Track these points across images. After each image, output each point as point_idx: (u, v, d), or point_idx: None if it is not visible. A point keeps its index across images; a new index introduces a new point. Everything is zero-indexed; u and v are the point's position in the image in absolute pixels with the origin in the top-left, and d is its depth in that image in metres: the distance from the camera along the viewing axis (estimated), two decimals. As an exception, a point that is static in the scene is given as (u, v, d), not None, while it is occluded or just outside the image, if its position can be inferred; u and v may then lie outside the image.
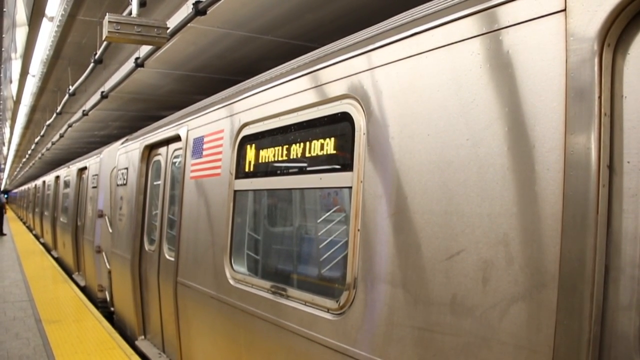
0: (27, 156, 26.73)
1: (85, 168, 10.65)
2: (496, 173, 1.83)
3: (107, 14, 4.35)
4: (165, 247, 5.31)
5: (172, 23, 5.26)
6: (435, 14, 2.18)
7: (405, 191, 2.19)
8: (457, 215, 1.96)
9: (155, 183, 5.93)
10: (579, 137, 1.57)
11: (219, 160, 3.96)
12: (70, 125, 12.85)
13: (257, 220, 4.06)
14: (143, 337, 6.09)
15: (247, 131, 3.63)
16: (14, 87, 12.67)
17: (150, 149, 6.07)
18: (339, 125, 2.73)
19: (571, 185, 1.58)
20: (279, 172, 3.31)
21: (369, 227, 2.38)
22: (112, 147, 8.85)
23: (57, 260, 14.05)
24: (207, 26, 5.35)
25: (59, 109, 11.02)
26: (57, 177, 15.10)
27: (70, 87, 8.84)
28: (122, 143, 7.56)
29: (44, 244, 17.99)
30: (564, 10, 1.65)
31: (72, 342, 6.12)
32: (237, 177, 3.70)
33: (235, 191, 3.71)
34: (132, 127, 11.70)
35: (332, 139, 2.79)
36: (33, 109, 13.70)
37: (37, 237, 21.06)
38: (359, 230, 2.44)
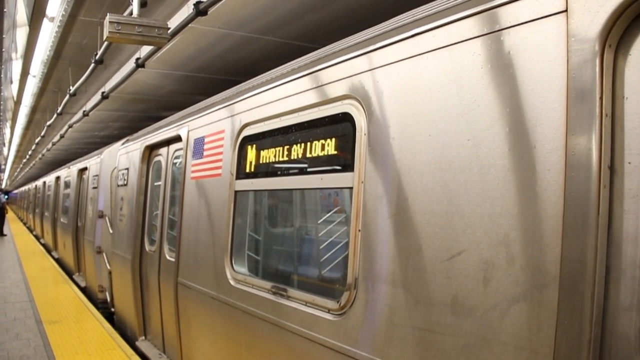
0: (27, 157, 26.74)
1: (85, 168, 10.66)
2: (497, 174, 1.83)
3: (108, 14, 4.35)
4: (165, 247, 5.31)
5: (173, 23, 5.26)
6: (436, 15, 2.18)
7: (406, 192, 2.19)
8: (458, 216, 1.96)
9: (155, 183, 5.93)
10: (580, 138, 1.57)
11: (220, 160, 3.96)
12: (70, 126, 12.84)
13: (258, 220, 4.05)
14: (143, 337, 6.09)
15: (247, 132, 3.63)
16: (14, 88, 12.65)
17: (151, 150, 6.07)
18: (339, 126, 2.73)
19: (572, 186, 1.58)
20: (279, 172, 3.30)
21: (369, 227, 2.38)
22: (112, 147, 8.85)
23: (58, 261, 14.05)
24: (208, 26, 5.35)
25: (59, 109, 11.03)
26: (58, 178, 15.11)
27: (71, 87, 8.84)
28: (123, 143, 7.56)
29: (44, 245, 17.99)
30: (565, 11, 1.65)
31: (73, 342, 6.12)
32: (237, 178, 3.70)
33: (236, 192, 3.71)
34: (132, 128, 11.69)
35: (333, 139, 2.79)
36: (33, 110, 13.69)
37: (37, 237, 21.07)
38: (359, 230, 2.43)
